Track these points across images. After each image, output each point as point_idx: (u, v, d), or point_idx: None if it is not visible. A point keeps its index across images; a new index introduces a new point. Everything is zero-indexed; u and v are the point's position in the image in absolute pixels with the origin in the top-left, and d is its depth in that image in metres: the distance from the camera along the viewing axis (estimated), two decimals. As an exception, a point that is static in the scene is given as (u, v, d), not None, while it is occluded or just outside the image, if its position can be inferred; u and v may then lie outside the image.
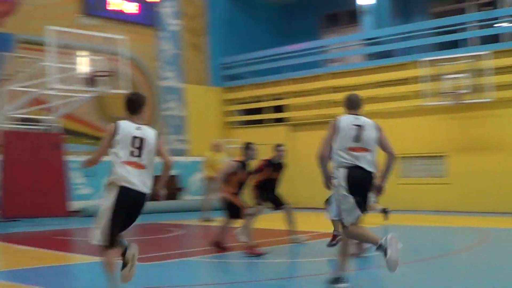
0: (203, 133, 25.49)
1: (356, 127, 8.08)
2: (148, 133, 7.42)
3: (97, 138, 22.45)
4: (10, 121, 19.18)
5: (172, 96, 25.25)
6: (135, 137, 7.32)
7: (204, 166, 19.01)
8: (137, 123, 7.45)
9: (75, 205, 20.34)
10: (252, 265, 10.43)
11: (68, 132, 20.68)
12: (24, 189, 17.05)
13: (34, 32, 21.07)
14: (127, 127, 7.36)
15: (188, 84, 25.90)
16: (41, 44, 19.95)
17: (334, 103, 23.43)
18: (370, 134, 8.08)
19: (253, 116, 26.24)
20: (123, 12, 23.74)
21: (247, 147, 12.29)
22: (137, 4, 24.15)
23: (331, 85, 23.64)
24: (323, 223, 17.81)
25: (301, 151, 24.06)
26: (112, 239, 7.27)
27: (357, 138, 8.01)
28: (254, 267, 10.18)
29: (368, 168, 7.91)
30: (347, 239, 7.93)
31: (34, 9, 21.42)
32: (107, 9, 23.31)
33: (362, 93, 22.10)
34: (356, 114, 8.37)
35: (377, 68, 22.64)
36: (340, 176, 8.01)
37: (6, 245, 13.92)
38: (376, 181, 8.11)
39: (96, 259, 10.89)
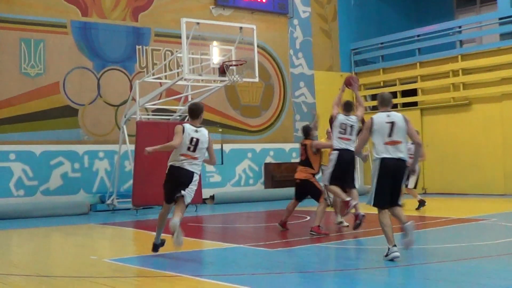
0: (333, 119, 25.48)
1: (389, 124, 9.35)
2: (203, 133, 9.84)
3: (228, 127, 22.99)
4: (144, 112, 19.91)
5: (303, 83, 25.38)
6: (192, 138, 9.72)
7: None
8: (196, 126, 9.86)
9: (207, 192, 20.96)
10: (377, 252, 10.41)
11: (201, 121, 21.22)
12: (156, 178, 17.58)
13: (168, 25, 21.78)
14: (189, 129, 9.77)
15: (319, 70, 25.95)
16: (175, 36, 20.60)
17: (468, 85, 22.89)
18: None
19: (384, 101, 25.92)
20: (255, 1, 24.03)
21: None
22: (266, -8, 24.39)
23: (464, 67, 23.03)
24: (454, 209, 17.58)
25: (433, 135, 23.67)
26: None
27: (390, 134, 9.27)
28: (380, 254, 10.15)
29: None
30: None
31: (168, 3, 22.10)
32: (240, -1, 23.71)
33: (497, 74, 21.74)
34: (388, 111, 9.58)
35: (514, 47, 21.86)
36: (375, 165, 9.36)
37: (139, 231, 14.51)
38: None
39: (226, 245, 11.24)
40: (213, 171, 22.17)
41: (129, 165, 18.99)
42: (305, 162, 12.59)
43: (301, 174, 12.60)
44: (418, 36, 24.88)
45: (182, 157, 9.72)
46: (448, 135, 23.33)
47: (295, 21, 25.37)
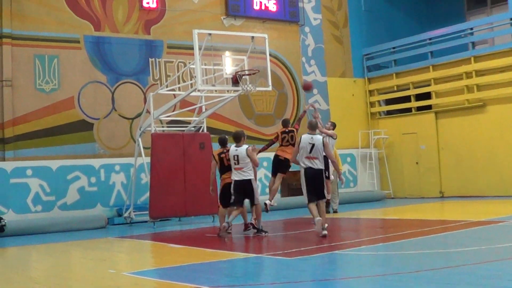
0: (347, 126, 25.51)
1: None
2: (242, 150, 13.75)
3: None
4: (159, 124, 19.98)
5: (316, 90, 25.36)
6: (234, 155, 13.74)
7: None
8: (238, 146, 13.83)
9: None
10: (397, 257, 10.40)
11: (214, 131, 21.30)
12: (172, 190, 17.62)
13: (181, 37, 21.86)
14: (232, 149, 13.86)
15: (331, 77, 25.94)
16: (187, 48, 20.66)
17: (481, 87, 22.81)
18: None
19: (398, 105, 25.93)
20: (266, 10, 24.07)
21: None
22: (275, 1, 24.36)
23: (477, 69, 22.95)
24: (472, 211, 17.50)
25: (448, 138, 23.62)
26: None
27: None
28: (400, 259, 10.13)
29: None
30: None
31: (179, 15, 22.19)
32: (250, 9, 23.71)
33: (511, 75, 21.63)
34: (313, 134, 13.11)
35: (526, 48, 21.77)
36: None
37: (156, 244, 14.52)
38: None
39: (244, 255, 11.24)
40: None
41: (145, 178, 19.04)
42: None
43: (287, 154, 15.22)
44: (430, 39, 24.84)
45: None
46: (464, 137, 23.26)
47: (307, 29, 25.40)
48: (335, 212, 19.30)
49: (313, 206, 12.87)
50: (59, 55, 19.90)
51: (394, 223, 14.56)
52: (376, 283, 8.15)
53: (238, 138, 13.96)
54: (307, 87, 17.67)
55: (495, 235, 12.23)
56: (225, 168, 14.34)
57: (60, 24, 20.01)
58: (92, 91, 20.33)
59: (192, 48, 16.86)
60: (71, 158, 19.62)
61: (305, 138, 13.02)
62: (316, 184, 12.88)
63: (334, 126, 18.07)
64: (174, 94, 19.64)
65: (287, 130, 15.56)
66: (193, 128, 19.57)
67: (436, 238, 12.42)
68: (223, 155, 14.33)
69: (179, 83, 20.66)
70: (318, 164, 12.85)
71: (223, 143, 14.71)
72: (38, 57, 19.61)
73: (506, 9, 23.89)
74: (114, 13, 20.97)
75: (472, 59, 23.06)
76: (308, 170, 12.81)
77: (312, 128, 13.34)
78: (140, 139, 18.74)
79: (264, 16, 24.08)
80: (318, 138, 13.03)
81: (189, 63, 19.52)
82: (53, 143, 19.54)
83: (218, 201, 15.03)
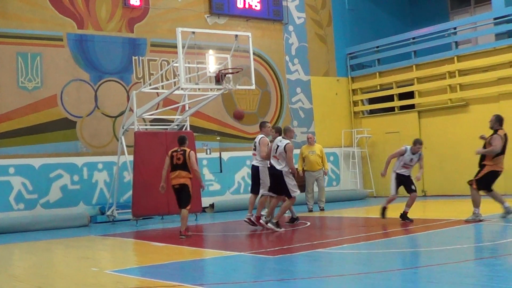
0: (330, 125, 25.57)
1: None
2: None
3: (226, 135, 22.99)
4: (142, 122, 19.94)
5: (300, 89, 25.40)
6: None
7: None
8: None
9: (206, 201, 20.97)
10: (380, 256, 10.44)
11: (197, 129, 21.31)
12: (155, 188, 17.57)
13: (164, 35, 21.81)
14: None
15: (315, 76, 25.98)
16: (171, 46, 20.63)
17: (464, 86, 22.92)
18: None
19: (381, 104, 26.00)
20: (249, 9, 24.05)
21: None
22: (258, 0, 24.35)
23: (460, 68, 23.06)
24: (455, 210, 17.58)
25: (431, 137, 23.69)
26: None
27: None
28: (382, 258, 10.18)
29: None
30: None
31: (163, 13, 22.14)
32: (234, 7, 23.68)
33: (493, 74, 21.74)
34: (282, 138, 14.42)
35: (509, 47, 21.72)
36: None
37: (139, 242, 14.51)
38: None
39: (227, 253, 11.25)
40: (212, 179, 22.19)
41: (128, 176, 18.99)
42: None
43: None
44: (414, 38, 24.93)
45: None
46: (447, 136, 23.36)
47: (290, 27, 25.41)
48: (322, 210, 19.38)
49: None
50: (42, 53, 19.81)
51: (376, 221, 14.61)
52: (359, 281, 8.18)
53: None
54: (238, 117, 17.52)
55: (477, 234, 12.31)
56: (173, 166, 14.03)
57: (43, 22, 19.91)
58: (75, 89, 20.25)
59: (175, 47, 16.84)
60: (53, 156, 19.55)
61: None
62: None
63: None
64: (157, 93, 19.62)
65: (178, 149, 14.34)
66: (176, 127, 19.54)
67: (419, 237, 12.48)
68: (174, 153, 14.10)
69: (162, 81, 20.61)
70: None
71: (180, 142, 14.32)
72: (21, 55, 19.50)
73: (489, 9, 24.03)
74: (98, 11, 20.89)
75: (455, 58, 23.16)
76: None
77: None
78: (123, 138, 18.70)
79: (247, 15, 24.06)
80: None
81: (173, 61, 19.46)
82: (36, 141, 19.44)
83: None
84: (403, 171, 15.13)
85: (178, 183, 13.90)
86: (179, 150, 14.09)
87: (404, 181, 15.11)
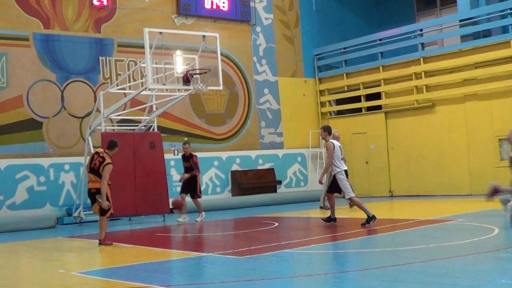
0: (298, 125, 25.65)
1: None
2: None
3: (194, 136, 22.95)
4: (109, 123, 19.84)
5: (267, 90, 25.44)
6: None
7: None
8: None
9: (174, 202, 20.94)
10: (347, 255, 10.49)
11: (165, 130, 21.26)
12: (122, 189, 17.49)
13: (131, 36, 21.72)
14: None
15: (282, 76, 26.04)
16: (138, 46, 20.56)
17: (431, 88, 23.13)
18: None
19: (348, 105, 26.14)
20: (217, 9, 24.03)
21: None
22: (226, 0, 24.32)
23: (426, 69, 23.27)
24: (421, 210, 17.73)
25: (398, 138, 23.91)
26: None
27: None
28: (349, 258, 10.23)
29: None
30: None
31: (130, 13, 22.04)
32: (202, 8, 23.64)
33: (459, 76, 22.01)
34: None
35: (475, 48, 22.05)
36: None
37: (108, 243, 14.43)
38: None
39: (195, 254, 11.23)
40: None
41: (95, 177, 18.85)
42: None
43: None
44: (380, 40, 25.11)
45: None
46: (413, 137, 23.57)
47: (258, 28, 25.45)
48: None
49: None
50: (7, 53, 19.60)
51: (343, 222, 14.68)
52: (326, 281, 8.21)
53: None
54: (178, 206, 17.38)
55: (443, 234, 12.41)
56: (90, 168, 13.15)
57: (9, 21, 19.71)
58: (41, 89, 20.08)
59: (143, 47, 16.80)
60: (19, 157, 19.36)
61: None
62: None
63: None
64: (124, 93, 19.54)
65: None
66: (143, 127, 19.48)
67: (385, 237, 12.56)
68: (95, 155, 13.17)
69: (129, 82, 20.54)
70: None
71: (108, 146, 13.42)
72: (-14, 54, 19.32)
73: (455, 11, 24.29)
74: (64, 10, 20.73)
75: (422, 60, 23.38)
76: None
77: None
78: (90, 138, 18.58)
79: (215, 15, 24.05)
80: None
81: (140, 61, 19.41)
82: (1, 142, 19.24)
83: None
84: (345, 167, 14.65)
85: (94, 187, 12.97)
86: (100, 154, 13.08)
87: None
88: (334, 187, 14.45)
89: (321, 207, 19.27)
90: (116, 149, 13.45)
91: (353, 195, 14.37)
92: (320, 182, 15.12)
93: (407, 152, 23.73)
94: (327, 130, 14.72)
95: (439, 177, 22.77)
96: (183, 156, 17.56)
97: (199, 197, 17.50)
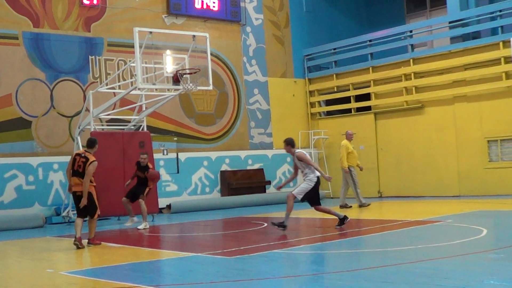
0: (288, 126, 25.65)
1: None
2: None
3: (183, 135, 22.93)
4: (98, 122, 19.80)
5: (257, 90, 25.45)
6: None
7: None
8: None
9: (163, 202, 20.92)
10: (336, 256, 10.51)
11: (154, 130, 21.24)
12: (111, 188, 17.45)
13: (121, 35, 21.68)
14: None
15: (272, 77, 26.04)
16: (128, 46, 20.52)
17: (420, 89, 23.18)
18: None
19: (338, 106, 26.18)
20: (207, 9, 24.00)
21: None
22: (217, 0, 24.30)
23: (416, 71, 23.33)
24: (410, 211, 17.78)
25: (387, 139, 23.96)
26: None
27: None
28: (338, 258, 10.25)
29: None
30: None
31: (120, 12, 22.00)
32: (192, 8, 23.61)
33: (448, 77, 22.09)
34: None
35: (464, 50, 22.10)
36: None
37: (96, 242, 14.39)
38: None
39: (184, 254, 11.23)
40: (169, 180, 22.12)
41: (84, 177, 18.80)
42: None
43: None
44: (370, 41, 25.14)
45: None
46: (402, 138, 23.62)
47: (248, 29, 25.44)
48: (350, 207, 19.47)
49: None
50: (-4, 51, 19.56)
51: (332, 222, 14.66)
52: (314, 281, 8.22)
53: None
54: (154, 177, 17.02)
55: (432, 235, 12.45)
56: (73, 171, 12.96)
57: (-2, 19, 19.66)
58: (30, 88, 20.01)
59: (132, 46, 16.77)
60: (8, 156, 19.29)
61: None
62: None
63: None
64: (114, 93, 19.51)
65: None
66: (133, 127, 19.46)
67: (374, 238, 12.59)
68: (77, 157, 13.01)
69: (119, 81, 20.51)
70: None
71: (87, 144, 13.32)
72: (-25, 53, 19.24)
73: (445, 12, 24.35)
74: (54, 9, 20.66)
75: (411, 61, 23.43)
76: None
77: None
78: (79, 138, 18.52)
79: (205, 15, 24.03)
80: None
81: (130, 61, 19.40)
82: (-10, 141, 19.20)
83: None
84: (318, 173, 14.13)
85: (80, 190, 12.83)
86: (82, 155, 12.94)
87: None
88: (312, 197, 14.12)
89: (341, 206, 19.25)
90: (97, 146, 13.30)
91: (300, 198, 13.98)
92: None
93: (396, 153, 23.79)
94: (289, 144, 14.11)
95: (428, 178, 22.83)
96: (138, 165, 16.43)
97: (144, 199, 16.26)
